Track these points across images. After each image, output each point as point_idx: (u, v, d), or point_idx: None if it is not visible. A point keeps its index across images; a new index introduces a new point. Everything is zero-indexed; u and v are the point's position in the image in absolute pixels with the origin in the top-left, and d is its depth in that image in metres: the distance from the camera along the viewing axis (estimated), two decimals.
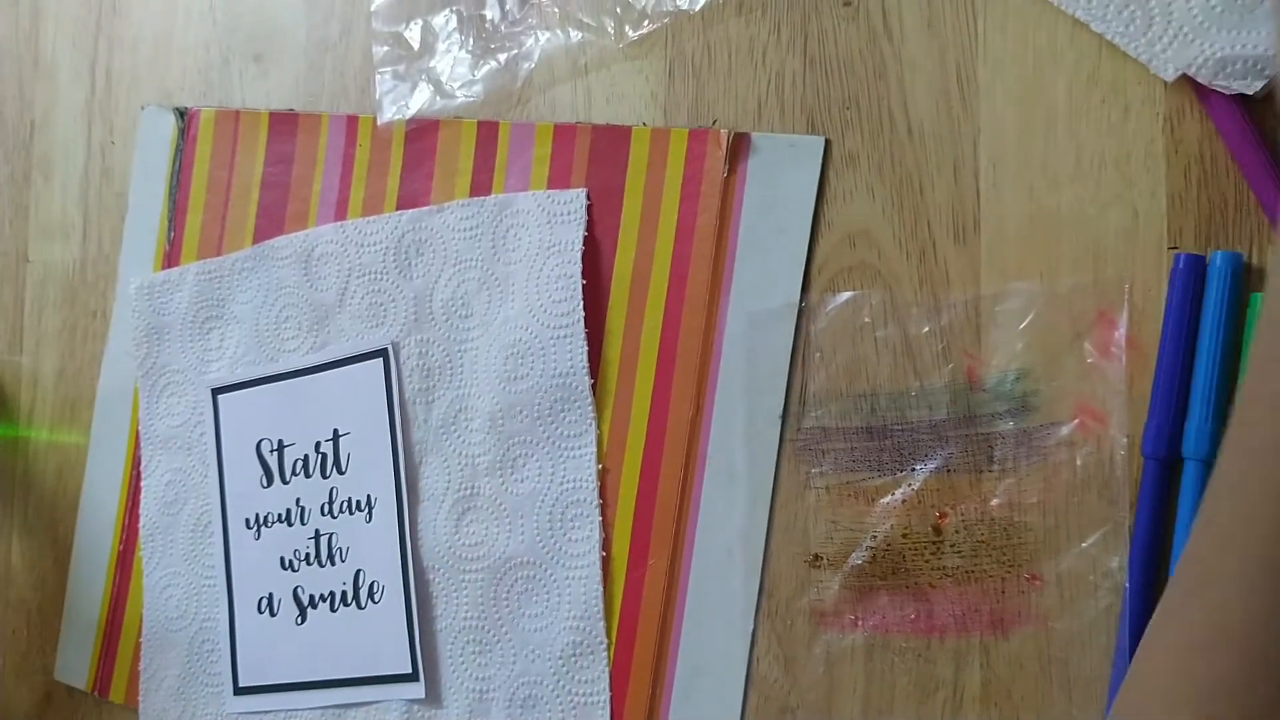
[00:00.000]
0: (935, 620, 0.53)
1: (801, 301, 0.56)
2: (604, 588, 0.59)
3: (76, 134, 0.80)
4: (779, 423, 0.56)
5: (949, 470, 0.53)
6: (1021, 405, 0.52)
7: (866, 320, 0.55)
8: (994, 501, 0.52)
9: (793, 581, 0.56)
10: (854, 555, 0.55)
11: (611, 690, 0.59)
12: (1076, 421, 0.51)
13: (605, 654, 0.59)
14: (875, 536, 0.54)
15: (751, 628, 0.56)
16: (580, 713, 0.59)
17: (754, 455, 0.57)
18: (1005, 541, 0.52)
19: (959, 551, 0.53)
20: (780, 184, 0.57)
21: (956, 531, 0.53)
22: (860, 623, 0.54)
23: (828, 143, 0.57)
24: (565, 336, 0.61)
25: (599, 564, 0.59)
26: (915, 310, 0.54)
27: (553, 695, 0.60)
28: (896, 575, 0.54)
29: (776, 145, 0.58)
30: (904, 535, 0.54)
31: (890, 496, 0.54)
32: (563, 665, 0.60)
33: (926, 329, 0.54)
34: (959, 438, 0.53)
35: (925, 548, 0.53)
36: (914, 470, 0.54)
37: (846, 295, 0.55)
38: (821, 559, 0.55)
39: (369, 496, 0.66)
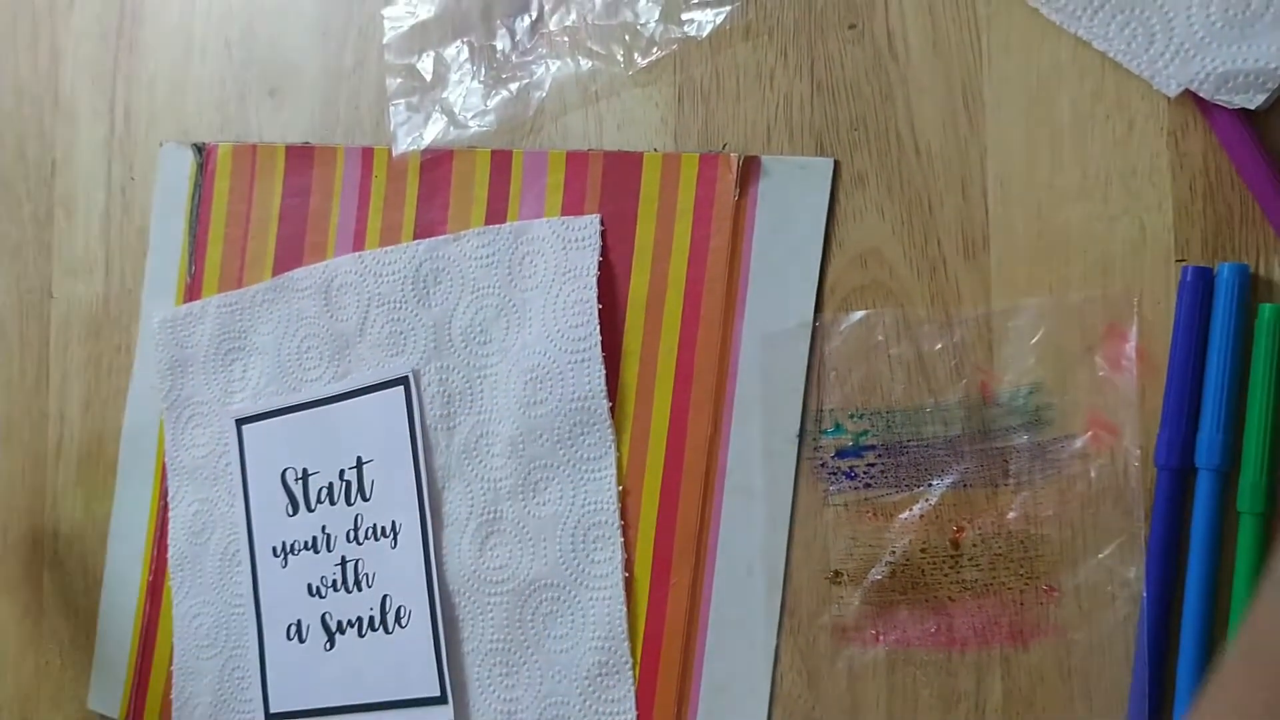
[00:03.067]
0: (955, 633, 0.54)
1: (815, 321, 0.57)
2: (627, 608, 0.60)
3: (97, 171, 0.81)
4: (796, 441, 0.57)
5: (965, 485, 0.54)
6: (1035, 419, 0.53)
7: (880, 339, 0.56)
8: (1010, 515, 0.53)
9: (814, 598, 0.57)
10: (874, 571, 0.55)
11: (637, 709, 0.60)
12: (1090, 434, 0.52)
13: (630, 674, 0.60)
14: (894, 552, 0.55)
15: (774, 644, 0.57)
16: None
17: (772, 474, 0.58)
18: (1023, 554, 0.53)
19: (977, 565, 0.53)
20: (791, 206, 0.58)
21: (974, 545, 0.54)
22: (881, 637, 0.55)
23: (837, 164, 0.58)
24: (583, 361, 0.61)
25: (622, 584, 0.60)
26: (927, 327, 0.55)
27: (579, 715, 0.61)
28: (916, 590, 0.55)
29: (786, 168, 0.59)
30: (922, 550, 0.55)
31: (908, 512, 0.55)
32: (589, 685, 0.61)
33: (939, 346, 0.55)
34: (974, 453, 0.54)
35: (944, 562, 0.54)
36: (931, 485, 0.54)
37: (859, 314, 0.56)
38: (842, 575, 0.56)
39: (394, 522, 0.67)
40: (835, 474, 0.56)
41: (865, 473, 0.56)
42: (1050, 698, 0.52)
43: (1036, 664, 0.52)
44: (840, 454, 0.56)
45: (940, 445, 0.54)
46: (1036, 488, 0.53)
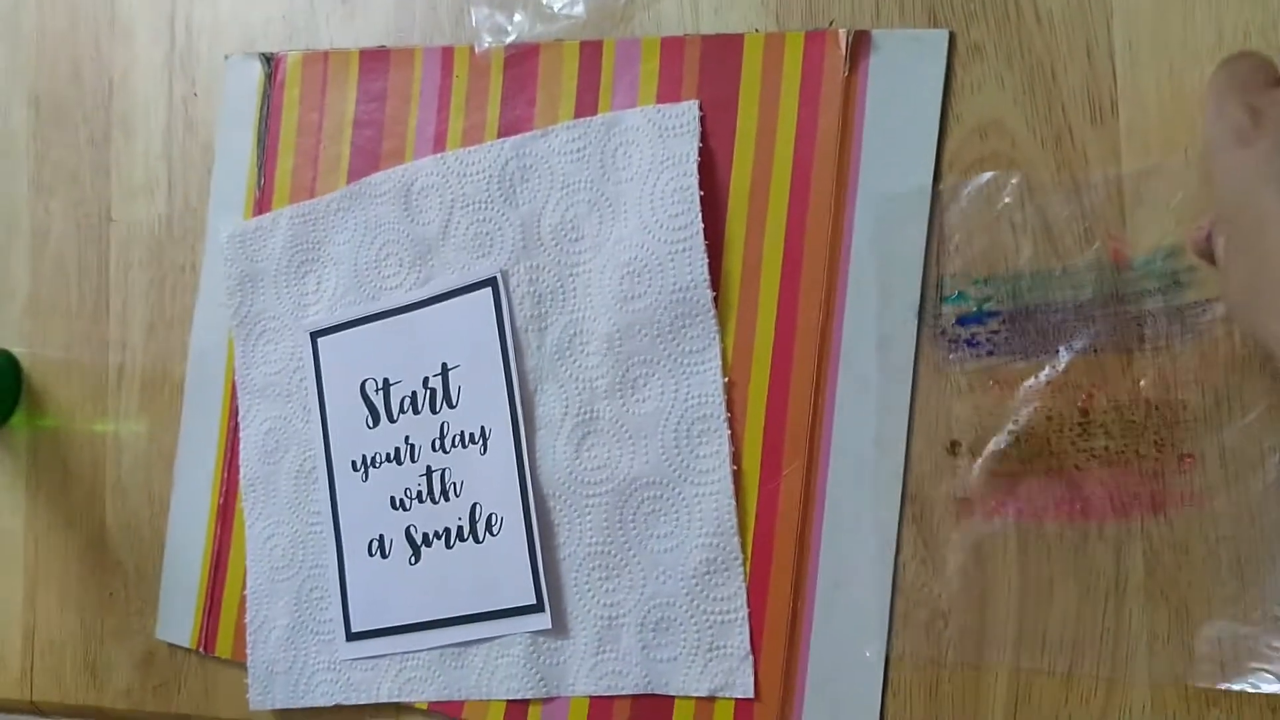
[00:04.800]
0: (1086, 504, 0.52)
1: (936, 186, 0.55)
2: (736, 502, 0.58)
3: (157, 90, 0.79)
4: (915, 319, 0.55)
5: (1096, 351, 0.52)
6: (1173, 282, 0.51)
7: (1006, 201, 0.54)
8: (1145, 381, 0.51)
9: (934, 473, 0.54)
10: (996, 440, 0.53)
11: (749, 606, 0.58)
12: None
13: (741, 569, 0.58)
14: (1017, 421, 0.53)
15: (895, 533, 0.55)
16: (717, 631, 0.58)
17: (889, 355, 0.55)
18: (1159, 421, 0.51)
19: (1108, 433, 0.51)
20: (905, 80, 0.56)
21: (1105, 413, 0.52)
22: (1005, 509, 0.53)
23: (952, 35, 0.56)
24: (684, 250, 0.59)
25: (730, 478, 0.58)
26: (1055, 191, 0.53)
27: (687, 616, 0.59)
28: (1040, 459, 0.52)
29: (899, 41, 0.57)
30: (1049, 418, 0.52)
31: (1033, 380, 0.53)
32: (696, 584, 0.59)
33: (1068, 210, 0.53)
34: (1106, 317, 0.52)
35: (1072, 430, 0.52)
36: (1058, 353, 0.52)
37: (986, 176, 0.54)
38: (960, 445, 0.54)
39: (483, 428, 0.65)
40: (956, 342, 0.54)
41: (988, 340, 0.54)
42: (1196, 570, 0.50)
43: (1180, 537, 0.50)
44: (962, 321, 0.54)
45: (1069, 310, 0.52)
46: (1175, 353, 0.51)
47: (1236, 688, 0.49)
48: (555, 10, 0.65)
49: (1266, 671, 0.48)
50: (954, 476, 0.54)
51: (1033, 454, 0.53)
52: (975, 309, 0.54)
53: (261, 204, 0.74)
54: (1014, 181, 0.54)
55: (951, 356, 0.54)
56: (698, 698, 0.59)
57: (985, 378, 0.54)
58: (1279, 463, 0.49)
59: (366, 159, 0.70)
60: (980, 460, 0.53)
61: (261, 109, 0.74)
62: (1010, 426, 0.53)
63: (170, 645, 0.76)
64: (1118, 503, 0.51)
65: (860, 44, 0.57)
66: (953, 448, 0.54)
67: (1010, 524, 0.53)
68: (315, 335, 0.71)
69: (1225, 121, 0.43)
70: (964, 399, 0.54)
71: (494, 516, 0.64)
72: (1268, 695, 0.48)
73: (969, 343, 0.54)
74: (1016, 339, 0.53)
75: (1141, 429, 0.51)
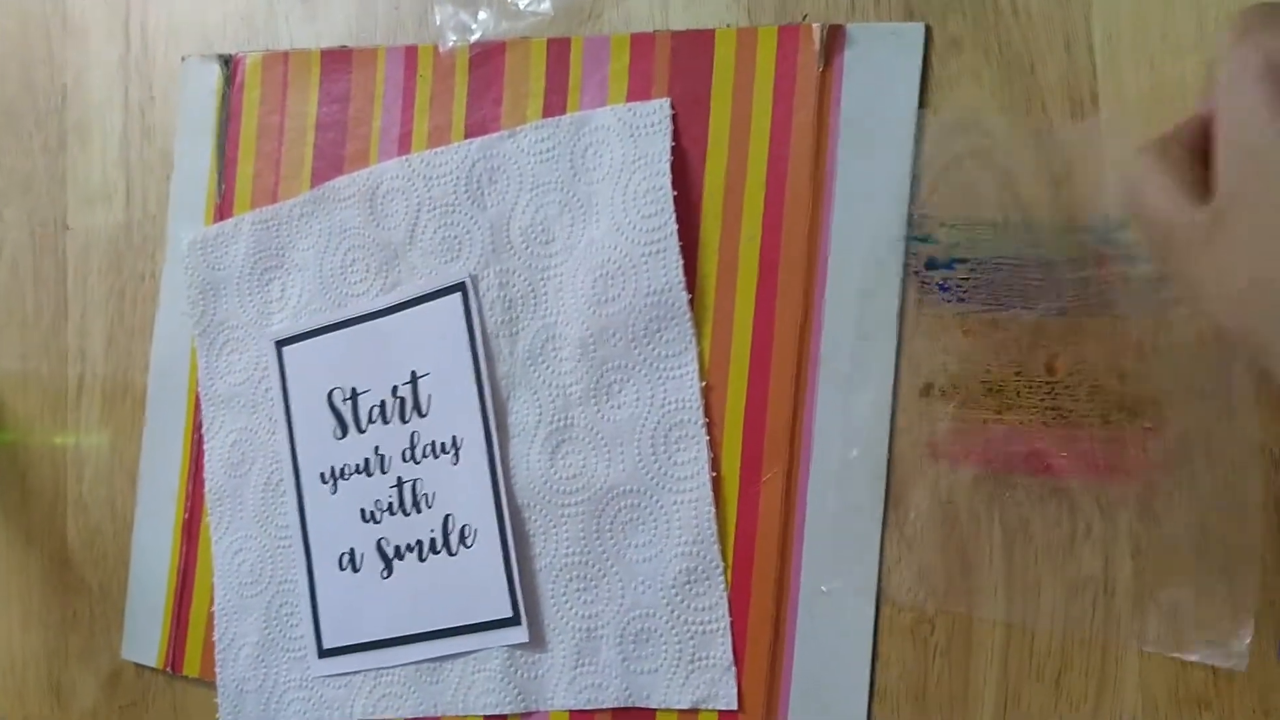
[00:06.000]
0: (1057, 464, 0.51)
1: (914, 177, 0.54)
2: (716, 509, 0.57)
3: (113, 94, 0.77)
4: (897, 317, 0.54)
5: (1062, 312, 0.51)
6: (1132, 254, 0.50)
7: (977, 146, 0.52)
8: (1118, 346, 0.50)
9: (921, 484, 0.53)
10: (965, 388, 0.52)
11: (731, 615, 0.56)
12: None
13: (722, 578, 0.56)
14: (989, 371, 0.52)
15: (879, 536, 0.54)
16: (699, 642, 0.57)
17: (872, 359, 0.54)
18: (1126, 388, 0.50)
19: (1074, 395, 0.50)
20: (881, 75, 0.55)
21: (1070, 374, 0.51)
22: (975, 458, 0.52)
23: (928, 28, 0.55)
24: (658, 252, 0.58)
25: (709, 485, 0.57)
26: (1025, 144, 0.52)
27: (667, 627, 0.57)
28: (1011, 411, 0.51)
29: (874, 35, 0.55)
30: (1017, 373, 0.51)
31: (1002, 333, 0.52)
32: (676, 594, 0.57)
33: (1034, 164, 0.51)
34: (1073, 280, 0.51)
35: (1040, 387, 0.51)
36: (1022, 309, 0.51)
37: (967, 115, 0.53)
38: (932, 388, 0.53)
39: (454, 437, 0.63)
40: (928, 285, 0.53)
41: (958, 286, 0.53)
42: (1160, 540, 0.49)
43: (1135, 505, 0.49)
44: (931, 265, 0.53)
45: (1034, 266, 0.51)
46: (1155, 320, 0.49)
47: (1191, 659, 0.48)
48: (521, 7, 0.63)
49: (1218, 645, 0.48)
50: (926, 421, 0.53)
51: (1004, 406, 0.52)
52: (943, 254, 0.53)
53: (222, 210, 0.72)
54: (985, 127, 0.52)
55: (924, 300, 0.53)
56: (680, 710, 0.57)
57: (956, 325, 0.53)
58: (1239, 443, 0.48)
59: (330, 162, 0.68)
60: (951, 406, 0.52)
61: (220, 112, 0.72)
62: (982, 376, 0.52)
63: (137, 665, 0.74)
64: (1079, 464, 0.50)
65: (834, 38, 0.56)
66: (926, 390, 0.53)
67: (991, 482, 0.52)
68: (280, 344, 0.69)
69: (1257, 50, 0.33)
70: (937, 344, 0.53)
71: (468, 528, 0.62)
72: (1260, 698, 0.48)
73: (940, 286, 0.53)
74: (984, 289, 0.52)
75: (1105, 394, 0.50)
